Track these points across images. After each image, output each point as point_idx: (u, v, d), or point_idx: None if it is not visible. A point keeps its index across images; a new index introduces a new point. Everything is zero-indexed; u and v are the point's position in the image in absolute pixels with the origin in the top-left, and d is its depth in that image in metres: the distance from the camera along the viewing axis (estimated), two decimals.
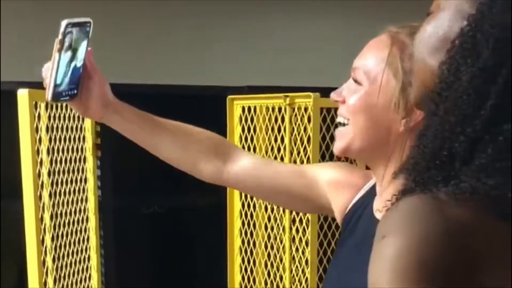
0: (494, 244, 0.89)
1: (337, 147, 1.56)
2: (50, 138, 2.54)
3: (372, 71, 1.50)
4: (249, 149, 2.89)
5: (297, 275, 2.77)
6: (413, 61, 1.08)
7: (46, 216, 2.53)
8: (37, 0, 4.84)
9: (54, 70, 1.45)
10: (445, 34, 1.01)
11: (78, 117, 2.64)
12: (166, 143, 1.70)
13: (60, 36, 1.43)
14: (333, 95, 1.56)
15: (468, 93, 0.93)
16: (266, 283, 2.94)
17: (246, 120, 2.90)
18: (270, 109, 2.86)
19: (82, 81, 1.53)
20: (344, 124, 1.54)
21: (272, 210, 2.89)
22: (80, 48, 1.49)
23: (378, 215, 1.54)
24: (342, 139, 1.54)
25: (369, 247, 1.50)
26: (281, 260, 2.86)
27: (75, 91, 1.53)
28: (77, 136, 2.66)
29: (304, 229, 2.72)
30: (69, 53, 1.46)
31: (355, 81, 1.52)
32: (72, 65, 1.48)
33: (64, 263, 2.62)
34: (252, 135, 2.89)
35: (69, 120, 2.61)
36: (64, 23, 1.43)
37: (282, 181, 1.72)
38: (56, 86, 1.46)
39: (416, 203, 0.90)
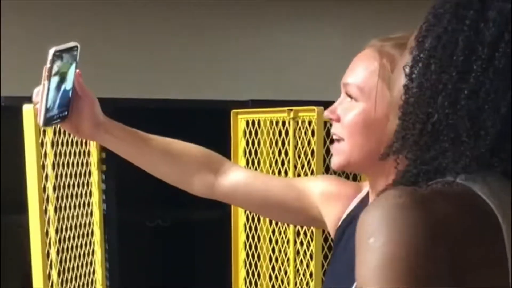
0: (480, 243, 0.91)
1: (335, 162, 1.55)
2: (55, 153, 2.55)
3: (365, 86, 1.49)
4: (253, 162, 2.90)
5: None
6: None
7: (51, 230, 2.54)
8: (38, 15, 4.86)
9: (44, 97, 1.49)
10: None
11: None
12: (157, 160, 1.71)
13: (48, 64, 1.47)
14: (326, 113, 1.55)
15: (440, 58, 0.99)
16: None
17: (250, 134, 2.91)
18: (274, 123, 2.87)
19: (72, 102, 1.57)
20: (339, 140, 1.53)
21: (277, 223, 2.89)
22: (69, 72, 1.53)
23: None
24: (339, 155, 1.53)
25: None
26: (285, 273, 2.87)
27: (66, 113, 1.57)
28: (82, 151, 2.68)
29: (308, 242, 2.72)
30: (57, 79, 1.50)
31: (350, 96, 1.51)
32: (62, 88, 1.53)
33: (69, 277, 2.63)
34: (256, 149, 2.90)
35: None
36: (51, 51, 1.48)
37: (273, 193, 1.72)
38: (47, 111, 1.51)
39: (400, 200, 0.91)
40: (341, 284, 1.53)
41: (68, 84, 1.54)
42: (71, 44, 1.52)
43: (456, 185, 0.95)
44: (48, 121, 1.53)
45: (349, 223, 1.62)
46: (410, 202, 0.90)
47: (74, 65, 1.53)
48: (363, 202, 1.62)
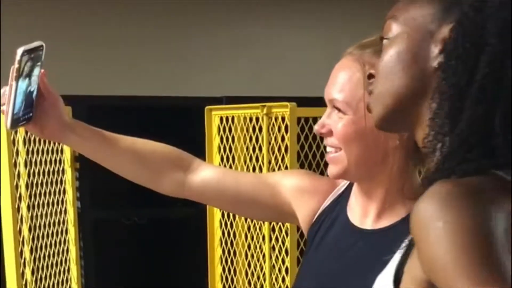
0: None
1: (332, 172, 1.55)
2: (28, 150, 2.54)
3: (352, 99, 1.49)
4: (227, 159, 2.90)
5: (277, 284, 2.78)
6: (378, 83, 1.12)
7: (25, 228, 2.53)
8: (37, 19, 4.83)
9: (12, 99, 1.46)
10: (414, 54, 1.08)
11: None
12: (124, 160, 1.68)
13: (16, 64, 1.45)
14: (317, 128, 1.55)
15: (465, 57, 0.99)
16: None
17: (224, 130, 2.91)
18: (248, 119, 2.87)
19: (37, 103, 1.54)
20: (336, 150, 1.53)
21: (252, 220, 2.89)
22: (34, 72, 1.50)
23: (357, 224, 1.55)
24: (337, 165, 1.53)
25: (349, 256, 1.50)
26: (261, 268, 2.87)
27: (31, 114, 1.54)
28: (55, 148, 2.67)
29: (283, 238, 2.73)
30: (24, 79, 1.48)
31: (339, 111, 1.51)
32: (28, 90, 1.50)
33: (43, 275, 2.62)
34: (230, 145, 2.90)
35: None
36: (19, 51, 1.45)
37: (244, 190, 1.70)
38: (13, 113, 1.48)
39: (457, 189, 0.94)
40: (327, 277, 1.54)
41: (33, 85, 1.51)
42: (37, 43, 1.49)
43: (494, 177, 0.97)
44: (14, 123, 1.50)
45: (325, 219, 1.62)
46: (466, 191, 0.94)
47: (39, 65, 1.51)
48: (342, 198, 1.62)
